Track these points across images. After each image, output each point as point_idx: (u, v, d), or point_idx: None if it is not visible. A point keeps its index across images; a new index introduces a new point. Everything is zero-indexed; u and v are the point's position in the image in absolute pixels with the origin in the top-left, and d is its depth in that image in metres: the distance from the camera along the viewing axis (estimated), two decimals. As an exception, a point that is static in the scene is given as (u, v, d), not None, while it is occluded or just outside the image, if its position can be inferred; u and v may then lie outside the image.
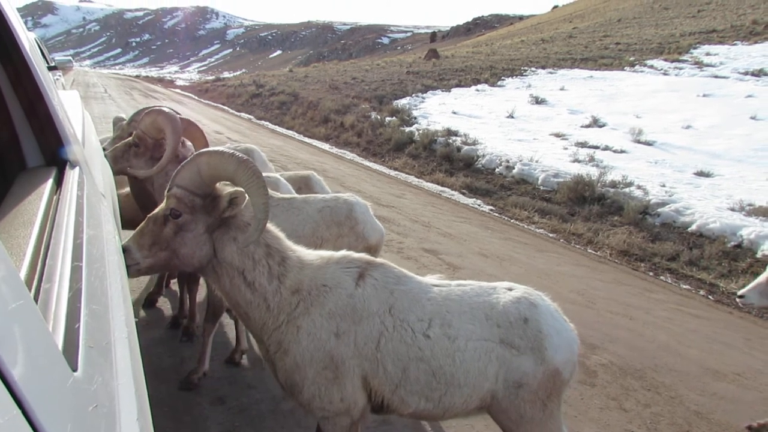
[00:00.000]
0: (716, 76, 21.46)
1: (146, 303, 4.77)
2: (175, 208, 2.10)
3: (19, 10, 1.94)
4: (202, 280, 4.44)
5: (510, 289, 2.34)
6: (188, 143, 3.85)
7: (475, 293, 2.31)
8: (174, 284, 5.18)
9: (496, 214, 9.50)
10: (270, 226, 2.26)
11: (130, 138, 3.68)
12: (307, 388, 2.20)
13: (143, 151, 3.63)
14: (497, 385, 2.21)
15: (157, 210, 2.18)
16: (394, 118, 16.76)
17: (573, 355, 2.28)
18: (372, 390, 2.24)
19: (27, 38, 1.82)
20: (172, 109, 3.92)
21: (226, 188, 2.18)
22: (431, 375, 2.19)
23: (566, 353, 2.24)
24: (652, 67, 24.47)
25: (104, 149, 3.62)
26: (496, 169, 11.70)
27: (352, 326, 2.18)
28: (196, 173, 2.10)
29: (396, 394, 2.22)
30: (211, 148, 2.13)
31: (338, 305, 2.19)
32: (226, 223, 2.16)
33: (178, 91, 36.37)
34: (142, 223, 2.18)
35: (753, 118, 15.48)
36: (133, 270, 2.10)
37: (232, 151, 2.07)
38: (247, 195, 2.09)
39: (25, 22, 2.00)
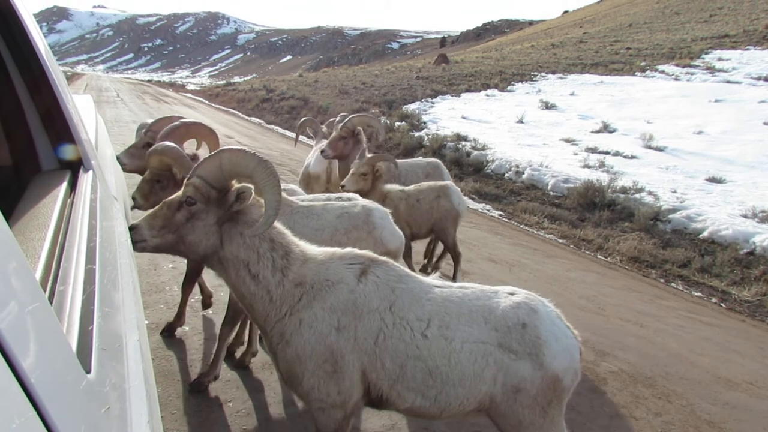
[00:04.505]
0: (728, 82, 21.26)
1: (165, 331, 4.41)
2: (191, 196, 2.20)
3: (34, 15, 1.97)
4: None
5: (511, 294, 2.34)
6: (199, 153, 3.91)
7: (476, 296, 2.32)
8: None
9: (506, 220, 9.47)
10: (276, 222, 2.32)
11: (147, 175, 3.75)
12: (307, 380, 2.26)
13: (166, 184, 3.73)
14: (495, 389, 2.21)
15: (174, 196, 2.28)
16: (403, 122, 16.77)
17: (574, 361, 2.26)
18: (371, 383, 2.27)
19: (44, 44, 1.85)
20: (167, 127, 3.99)
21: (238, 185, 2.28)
22: (427, 374, 2.21)
23: (566, 360, 2.23)
24: (663, 72, 24.29)
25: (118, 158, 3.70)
26: (506, 174, 11.67)
27: (353, 321, 2.22)
28: (217, 167, 2.20)
29: (394, 389, 2.26)
30: (234, 147, 2.23)
31: (339, 300, 2.24)
32: (235, 218, 2.25)
33: (189, 95, 36.68)
34: (157, 206, 2.28)
35: (766, 123, 15.31)
36: (139, 246, 2.21)
37: (254, 150, 2.18)
38: (260, 191, 2.20)
39: (41, 28, 2.04)
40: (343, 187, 4.85)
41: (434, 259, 6.56)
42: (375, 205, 3.77)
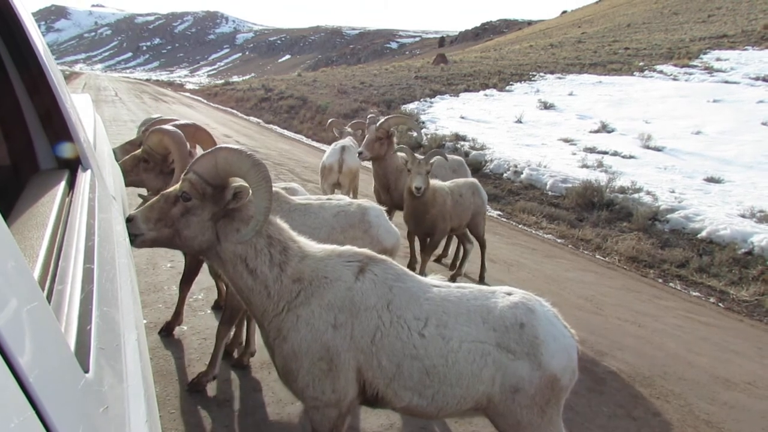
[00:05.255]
0: (727, 82, 21.29)
1: (164, 330, 4.41)
2: (187, 192, 2.20)
3: (33, 14, 1.97)
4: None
5: (509, 294, 2.35)
6: (195, 151, 3.91)
7: (474, 296, 2.33)
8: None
9: (504, 219, 9.47)
10: (273, 218, 2.33)
11: (138, 152, 3.74)
12: (302, 377, 2.26)
13: (153, 166, 3.73)
14: (494, 389, 2.22)
15: (170, 189, 2.28)
16: (402, 122, 16.77)
17: (572, 361, 2.27)
18: (366, 382, 2.27)
19: (42, 43, 1.84)
20: (177, 122, 3.96)
21: (235, 181, 2.27)
22: (424, 373, 2.22)
23: (564, 359, 2.23)
24: (661, 72, 24.33)
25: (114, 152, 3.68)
26: (504, 174, 11.68)
27: (350, 318, 2.22)
28: (213, 165, 2.19)
29: (390, 388, 2.26)
30: (231, 146, 2.22)
31: (337, 297, 2.24)
32: (230, 214, 2.24)
33: (188, 95, 36.65)
34: (154, 198, 2.29)
35: (764, 123, 15.35)
36: (138, 241, 2.21)
37: (250, 152, 2.17)
38: (251, 193, 2.19)
39: (39, 27, 2.03)
40: (418, 189, 5.03)
41: (443, 258, 6.82)
42: (370, 204, 3.80)
